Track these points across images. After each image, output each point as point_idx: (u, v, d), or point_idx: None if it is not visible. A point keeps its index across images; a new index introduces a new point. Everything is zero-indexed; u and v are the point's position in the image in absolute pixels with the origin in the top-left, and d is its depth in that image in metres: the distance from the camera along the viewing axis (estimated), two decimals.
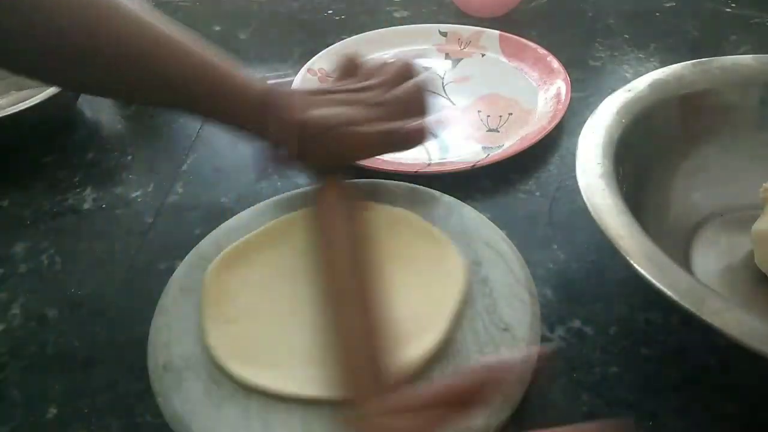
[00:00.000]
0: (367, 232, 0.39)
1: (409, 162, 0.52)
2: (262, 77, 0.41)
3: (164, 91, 0.38)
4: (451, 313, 0.35)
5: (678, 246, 0.43)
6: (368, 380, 0.30)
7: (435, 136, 0.42)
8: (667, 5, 0.77)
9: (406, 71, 0.44)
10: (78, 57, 0.35)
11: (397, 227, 0.41)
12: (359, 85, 0.43)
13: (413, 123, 0.41)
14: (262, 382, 0.32)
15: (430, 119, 0.43)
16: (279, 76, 0.65)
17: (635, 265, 0.33)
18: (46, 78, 0.42)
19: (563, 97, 0.57)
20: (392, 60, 0.45)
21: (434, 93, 0.46)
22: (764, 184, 0.41)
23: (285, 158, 0.41)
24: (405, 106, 0.43)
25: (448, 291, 0.36)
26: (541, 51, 0.64)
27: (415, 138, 0.42)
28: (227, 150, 0.57)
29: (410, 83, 0.43)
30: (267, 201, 0.45)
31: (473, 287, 0.37)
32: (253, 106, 0.39)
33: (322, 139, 0.40)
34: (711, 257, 0.42)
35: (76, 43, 0.34)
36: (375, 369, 0.31)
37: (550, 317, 0.40)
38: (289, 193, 0.46)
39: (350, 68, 0.46)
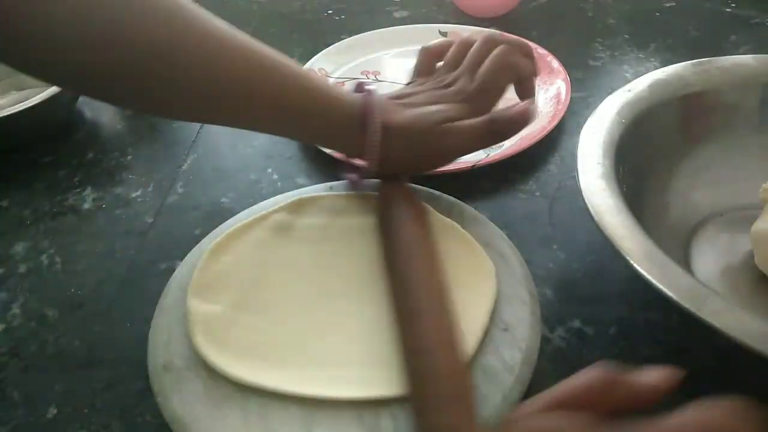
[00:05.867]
0: (430, 234, 0.38)
1: None
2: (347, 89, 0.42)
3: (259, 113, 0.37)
4: (480, 331, 0.34)
5: (678, 246, 0.43)
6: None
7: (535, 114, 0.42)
8: (667, 5, 0.77)
9: (485, 47, 0.42)
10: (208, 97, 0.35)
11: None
12: (443, 81, 0.43)
13: (515, 108, 0.41)
14: (260, 381, 0.32)
15: (528, 93, 0.43)
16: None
17: (635, 265, 0.33)
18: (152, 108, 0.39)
19: (563, 97, 0.57)
20: (468, 38, 0.44)
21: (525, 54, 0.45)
22: (764, 185, 0.41)
23: (371, 168, 0.40)
24: (494, 85, 0.42)
25: (477, 305, 0.35)
26: (541, 51, 0.64)
27: (519, 121, 0.41)
28: (227, 150, 0.57)
29: (490, 60, 0.42)
30: (267, 201, 0.45)
31: None
32: (352, 117, 0.39)
33: (423, 138, 0.39)
34: (711, 257, 0.42)
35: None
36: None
37: (550, 317, 0.39)
38: (288, 193, 0.46)
39: (427, 64, 0.45)
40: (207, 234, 0.43)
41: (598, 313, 0.40)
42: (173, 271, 0.41)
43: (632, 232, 0.35)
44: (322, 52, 0.67)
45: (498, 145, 0.54)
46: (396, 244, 0.37)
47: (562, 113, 0.55)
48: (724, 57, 0.49)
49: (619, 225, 0.36)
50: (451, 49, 0.44)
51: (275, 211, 0.43)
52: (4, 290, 0.45)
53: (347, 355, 0.34)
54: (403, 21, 0.76)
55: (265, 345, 0.35)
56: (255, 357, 0.34)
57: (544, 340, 0.38)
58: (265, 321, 0.36)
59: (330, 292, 0.37)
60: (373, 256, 0.39)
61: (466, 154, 0.44)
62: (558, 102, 0.57)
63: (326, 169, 0.53)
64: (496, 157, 0.51)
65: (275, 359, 0.34)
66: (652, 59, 0.66)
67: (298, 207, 0.43)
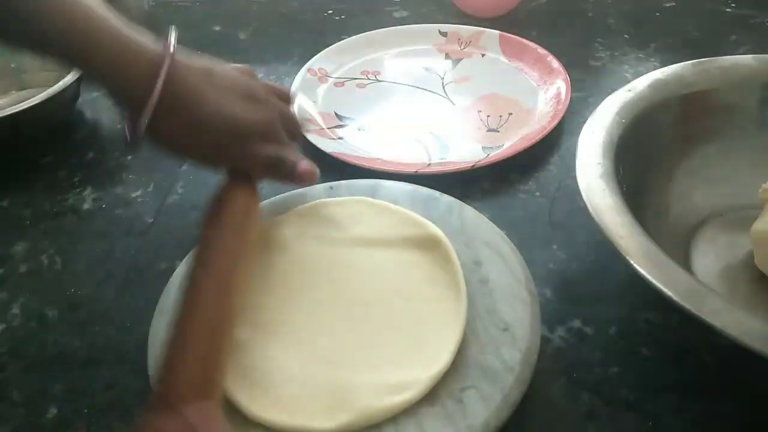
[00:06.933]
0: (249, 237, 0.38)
1: (409, 162, 0.52)
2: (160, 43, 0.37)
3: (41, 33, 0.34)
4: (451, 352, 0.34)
5: (678, 246, 0.43)
6: (192, 378, 0.29)
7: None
8: (667, 5, 0.77)
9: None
10: None
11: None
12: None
13: (304, 162, 0.40)
14: (270, 416, 0.32)
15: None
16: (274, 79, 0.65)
17: (635, 265, 0.33)
18: None
19: (563, 97, 0.57)
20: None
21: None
22: (764, 185, 0.41)
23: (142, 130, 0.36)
24: (286, 119, 0.43)
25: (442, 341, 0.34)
26: (541, 51, 0.64)
27: (302, 177, 0.40)
28: None
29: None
30: (267, 201, 0.45)
31: (473, 287, 0.37)
32: (141, 69, 0.35)
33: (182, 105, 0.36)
34: (711, 257, 0.42)
35: None
36: (204, 369, 0.30)
37: (550, 317, 0.39)
38: (286, 194, 0.46)
39: None
40: None
41: (598, 313, 0.40)
42: (173, 271, 0.41)
43: (632, 232, 0.35)
44: (322, 52, 0.66)
45: (498, 144, 0.54)
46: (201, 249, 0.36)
47: (562, 113, 0.55)
48: (724, 57, 0.49)
49: (619, 225, 0.36)
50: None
51: (282, 218, 0.42)
52: (4, 290, 0.45)
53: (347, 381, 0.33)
54: (403, 21, 0.76)
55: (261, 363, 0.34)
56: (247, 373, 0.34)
57: (544, 340, 0.38)
58: (263, 334, 0.36)
59: (331, 308, 0.37)
60: (376, 271, 0.39)
61: (244, 164, 0.41)
62: (558, 102, 0.57)
63: (326, 169, 0.52)
64: (496, 157, 0.51)
65: (270, 376, 0.34)
66: (652, 59, 0.66)
67: (307, 213, 0.43)
